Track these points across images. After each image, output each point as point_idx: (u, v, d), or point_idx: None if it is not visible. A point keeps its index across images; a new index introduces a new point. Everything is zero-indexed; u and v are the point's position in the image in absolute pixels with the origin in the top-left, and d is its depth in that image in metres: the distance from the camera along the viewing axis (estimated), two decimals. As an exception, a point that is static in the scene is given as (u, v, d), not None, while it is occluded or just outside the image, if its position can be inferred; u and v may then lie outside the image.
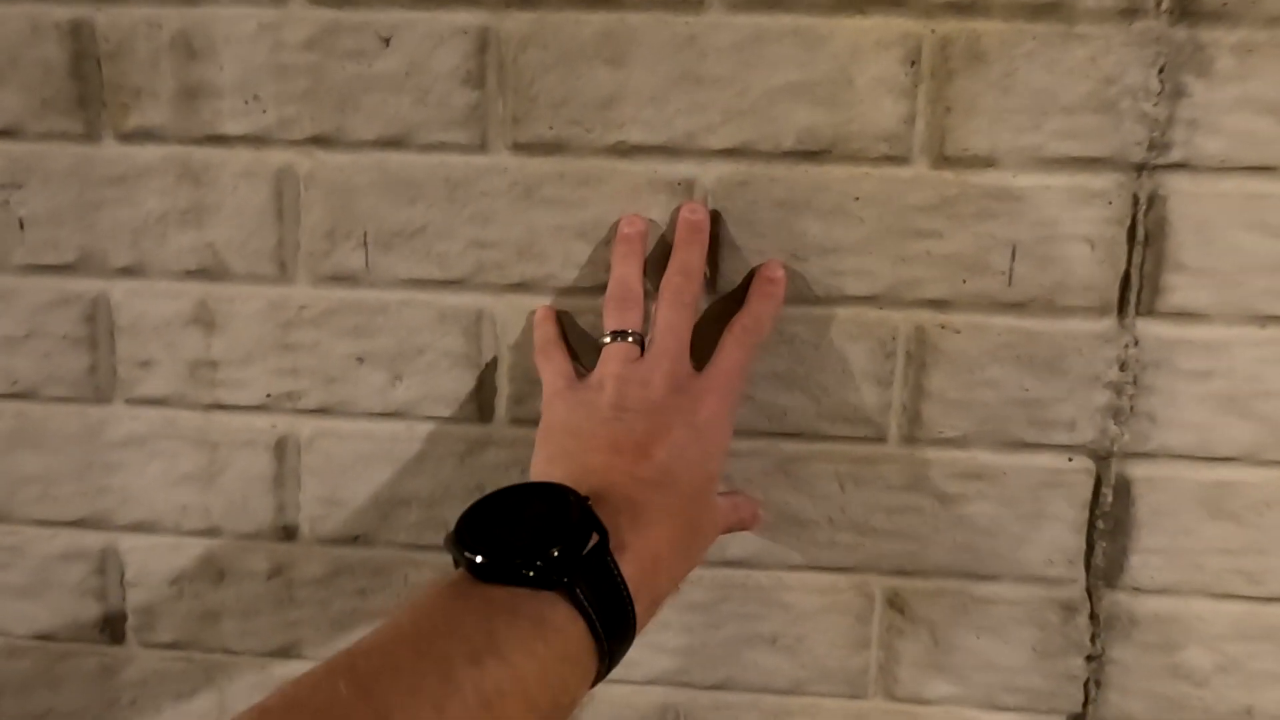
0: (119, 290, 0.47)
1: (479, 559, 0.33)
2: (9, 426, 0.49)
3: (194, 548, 0.49)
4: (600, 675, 0.34)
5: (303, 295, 0.46)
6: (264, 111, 0.45)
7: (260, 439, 0.48)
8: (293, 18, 0.44)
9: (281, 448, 0.48)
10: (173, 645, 0.50)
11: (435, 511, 0.47)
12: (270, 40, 0.45)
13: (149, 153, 0.46)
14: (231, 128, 0.45)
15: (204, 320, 0.47)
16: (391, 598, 0.48)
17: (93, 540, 0.49)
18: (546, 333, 0.45)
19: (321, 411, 0.47)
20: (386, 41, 0.44)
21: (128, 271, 0.47)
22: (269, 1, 0.44)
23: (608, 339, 0.42)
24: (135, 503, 0.49)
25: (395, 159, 0.45)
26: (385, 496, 0.48)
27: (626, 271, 0.43)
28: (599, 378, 0.42)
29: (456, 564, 0.34)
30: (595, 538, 0.34)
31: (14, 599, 0.50)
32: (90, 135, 0.46)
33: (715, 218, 0.44)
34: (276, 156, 0.46)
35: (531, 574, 0.32)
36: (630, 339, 0.42)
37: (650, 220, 0.44)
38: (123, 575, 0.50)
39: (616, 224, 0.44)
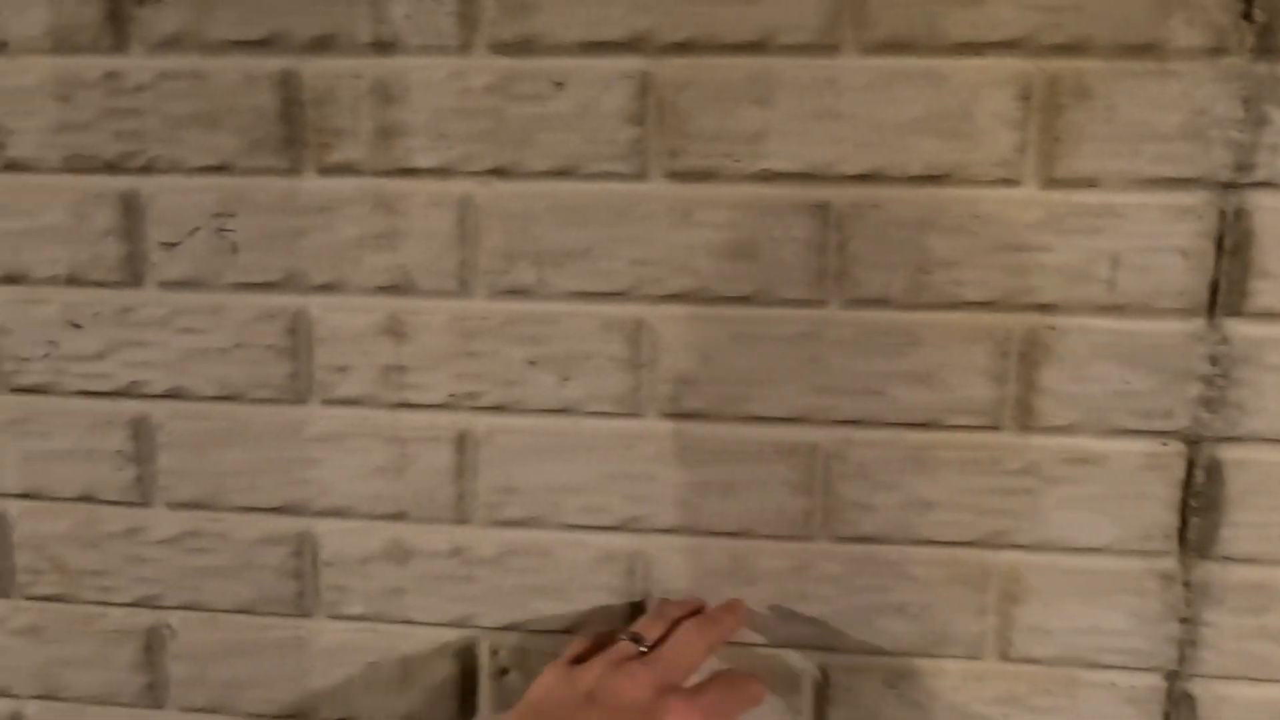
0: (318, 305, 0.54)
1: None
2: (219, 426, 0.55)
3: (383, 531, 0.55)
4: None
5: (482, 308, 0.53)
6: (450, 148, 0.52)
7: (443, 435, 0.54)
8: (476, 66, 0.51)
9: (462, 442, 0.54)
10: (359, 618, 0.56)
11: (596, 498, 0.54)
12: (457, 86, 0.51)
13: (347, 185, 0.53)
14: (421, 162, 0.52)
15: (395, 331, 0.54)
16: (557, 577, 0.54)
17: (291, 525, 0.56)
18: (595, 635, 0.51)
19: (497, 409, 0.54)
20: (559, 85, 0.51)
21: (326, 289, 0.54)
22: (455, 53, 0.51)
23: (624, 638, 0.48)
24: (331, 492, 0.55)
25: (564, 188, 0.51)
26: (553, 484, 0.54)
27: (670, 608, 0.51)
28: (595, 659, 0.47)
29: None
30: None
31: (218, 578, 0.57)
32: (294, 170, 0.53)
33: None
34: (460, 187, 0.52)
35: None
36: (640, 645, 0.48)
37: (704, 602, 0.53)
38: (316, 556, 0.56)
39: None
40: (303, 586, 0.56)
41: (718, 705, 0.46)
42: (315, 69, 0.52)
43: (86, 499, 0.57)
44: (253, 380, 0.55)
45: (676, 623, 0.50)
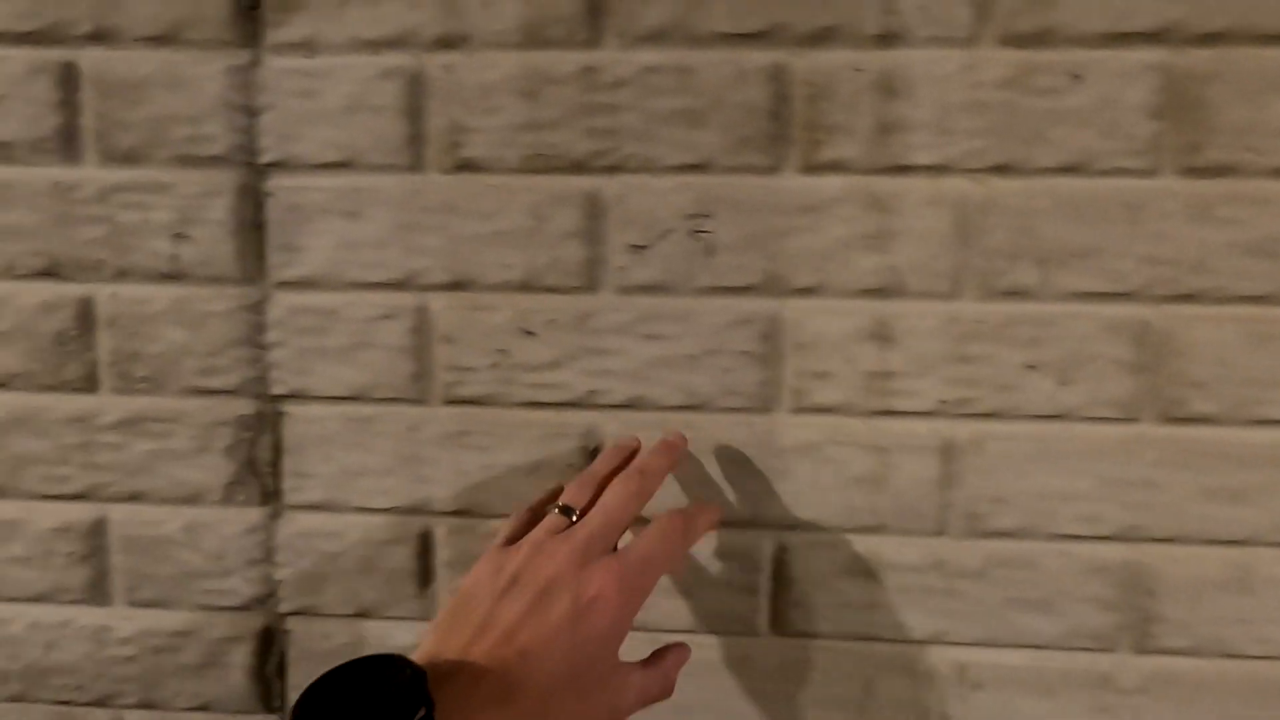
0: (797, 309, 0.52)
1: None
2: (681, 437, 0.53)
3: (855, 545, 0.53)
4: None
5: (976, 311, 0.51)
6: (953, 144, 0.50)
7: (928, 443, 0.52)
8: (988, 59, 0.49)
9: (948, 450, 0.52)
10: (814, 635, 0.54)
11: (1093, 506, 0.52)
12: (968, 80, 0.49)
13: (834, 183, 0.51)
14: (919, 159, 0.50)
15: (881, 335, 0.51)
16: (1043, 590, 0.52)
17: (754, 540, 0.53)
18: (528, 511, 0.49)
19: (990, 415, 0.51)
20: (1077, 78, 0.49)
21: (807, 292, 0.51)
22: (961, 45, 0.49)
23: (554, 510, 0.46)
24: (803, 505, 0.53)
25: (1070, 184, 0.50)
26: (1045, 492, 0.52)
27: (599, 466, 0.49)
28: (523, 540, 0.45)
29: None
30: (423, 710, 0.35)
31: (667, 597, 0.54)
32: (774, 169, 0.51)
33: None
34: (958, 185, 0.50)
35: None
36: (571, 515, 0.45)
37: (640, 441, 0.51)
38: (785, 571, 0.54)
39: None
40: (755, 604, 0.54)
41: (647, 561, 0.44)
42: (809, 63, 0.50)
43: (528, 515, 0.54)
44: (721, 388, 0.52)
45: (607, 480, 0.47)
